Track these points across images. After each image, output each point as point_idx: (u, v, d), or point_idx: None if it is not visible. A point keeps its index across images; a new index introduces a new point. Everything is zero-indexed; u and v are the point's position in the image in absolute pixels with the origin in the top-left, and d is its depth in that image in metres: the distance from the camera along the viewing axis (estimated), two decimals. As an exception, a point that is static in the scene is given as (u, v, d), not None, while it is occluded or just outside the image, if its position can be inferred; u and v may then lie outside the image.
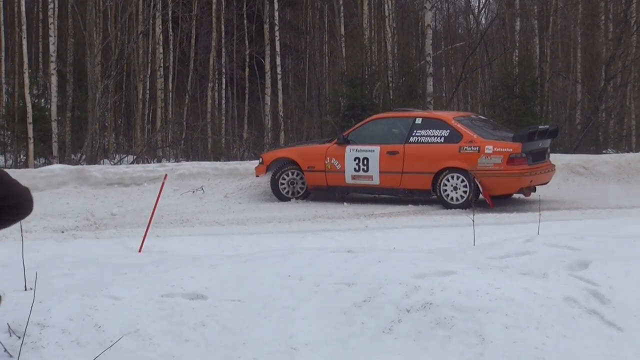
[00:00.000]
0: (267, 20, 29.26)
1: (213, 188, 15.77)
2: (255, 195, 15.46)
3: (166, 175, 10.86)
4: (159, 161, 22.16)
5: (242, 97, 31.42)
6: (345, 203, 14.68)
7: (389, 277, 5.83)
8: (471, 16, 34.66)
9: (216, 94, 30.52)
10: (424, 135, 14.38)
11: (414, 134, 14.47)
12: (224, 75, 30.65)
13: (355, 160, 14.73)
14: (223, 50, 30.38)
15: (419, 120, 14.60)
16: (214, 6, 29.86)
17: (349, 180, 14.84)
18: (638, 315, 5.44)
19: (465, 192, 13.82)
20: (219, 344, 5.22)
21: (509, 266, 6.39)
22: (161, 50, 28.05)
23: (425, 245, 8.90)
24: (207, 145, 26.31)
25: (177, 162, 20.75)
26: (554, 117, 26.02)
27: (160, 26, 28.11)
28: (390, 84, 23.93)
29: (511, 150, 13.65)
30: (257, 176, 15.75)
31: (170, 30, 29.50)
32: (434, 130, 14.31)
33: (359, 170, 14.69)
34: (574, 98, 27.07)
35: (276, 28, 28.67)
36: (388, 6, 26.67)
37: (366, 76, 23.23)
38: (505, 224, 11.80)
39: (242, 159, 21.89)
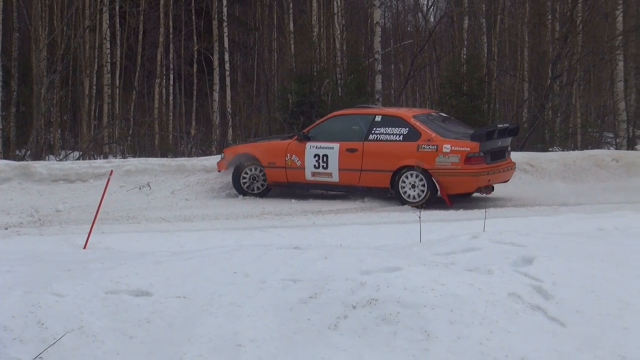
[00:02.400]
0: (216, 16, 29.15)
1: (160, 184, 15.67)
2: (203, 192, 15.40)
3: (112, 171, 10.78)
4: (106, 157, 21.93)
5: (190, 94, 31.28)
6: (293, 200, 14.68)
7: (335, 273, 5.82)
8: (420, 14, 34.81)
9: (164, 90, 30.32)
10: (383, 133, 14.33)
11: (373, 131, 14.42)
12: (171, 71, 30.47)
13: (315, 157, 14.68)
14: (171, 46, 30.19)
15: (378, 118, 14.55)
16: (161, 1, 29.67)
17: (308, 177, 14.79)
18: (581, 311, 5.50)
19: (423, 190, 13.78)
20: (164, 340, 5.17)
21: (454, 262, 6.42)
22: (108, 46, 27.80)
23: (372, 242, 8.94)
24: (154, 141, 26.12)
25: (124, 158, 20.57)
26: (501, 115, 26.26)
27: (108, 21, 27.85)
28: (339, 81, 23.92)
29: (469, 149, 13.58)
30: (218, 171, 15.71)
31: (118, 25, 29.23)
32: (393, 128, 14.26)
33: (318, 167, 14.64)
34: (521, 96, 27.34)
35: (225, 24, 28.59)
36: (337, 3, 26.67)
37: (315, 73, 23.21)
38: (451, 220, 11.87)
39: (189, 155, 21.80)
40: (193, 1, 30.68)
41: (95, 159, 21.02)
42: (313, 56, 23.95)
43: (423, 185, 13.79)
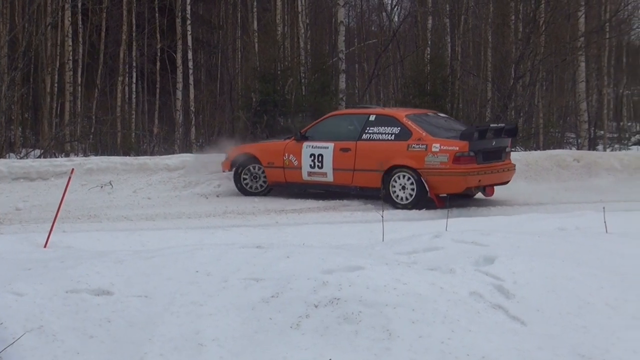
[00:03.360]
0: (179, 14, 29.00)
1: (122, 183, 15.61)
2: (165, 190, 15.36)
3: (73, 169, 10.66)
4: (67, 156, 21.74)
5: (152, 92, 31.08)
6: (255, 199, 14.66)
7: (298, 272, 5.82)
8: (384, 14, 34.88)
9: (126, 88, 30.11)
10: (375, 133, 14.21)
11: (366, 131, 14.31)
12: (134, 69, 30.28)
13: (311, 156, 14.64)
14: (134, 43, 30.00)
15: (372, 118, 14.44)
16: (125, -1, 29.51)
17: (305, 177, 14.76)
18: (541, 310, 5.53)
19: (413, 191, 13.62)
20: (125, 340, 5.13)
21: (416, 262, 6.43)
22: (70, 43, 27.53)
23: (335, 241, 8.93)
24: (116, 139, 25.94)
25: (86, 156, 20.40)
26: (464, 115, 26.35)
27: (70, 18, 27.57)
28: (303, 80, 23.93)
29: (457, 148, 13.37)
30: (223, 171, 15.71)
31: (80, 22, 28.98)
32: (386, 128, 14.14)
33: (314, 167, 14.60)
34: (484, 96, 27.50)
35: (188, 22, 28.43)
36: (301, 2, 26.64)
37: (279, 72, 23.19)
38: (414, 220, 11.93)
39: (152, 154, 21.67)
40: (156, -1, 30.54)
41: (56, 157, 20.83)
42: (277, 55, 23.92)
43: (412, 187, 13.62)
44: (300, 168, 14.73)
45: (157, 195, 15.02)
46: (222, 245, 7.00)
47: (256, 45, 27.63)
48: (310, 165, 14.62)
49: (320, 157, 14.53)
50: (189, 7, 28.51)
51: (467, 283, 5.81)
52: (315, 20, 31.76)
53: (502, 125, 14.66)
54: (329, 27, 33.28)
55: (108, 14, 29.83)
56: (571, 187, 16.04)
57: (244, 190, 15.31)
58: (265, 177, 15.25)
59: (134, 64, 30.18)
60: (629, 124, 39.20)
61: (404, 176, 13.72)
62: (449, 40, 27.61)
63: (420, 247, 6.98)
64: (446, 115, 15.97)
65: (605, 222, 8.69)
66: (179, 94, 28.39)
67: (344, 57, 23.97)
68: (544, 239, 7.57)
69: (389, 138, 14.01)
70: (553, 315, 5.50)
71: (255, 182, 15.30)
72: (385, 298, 5.44)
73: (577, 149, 24.34)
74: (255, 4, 29.67)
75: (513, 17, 27.54)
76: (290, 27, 29.32)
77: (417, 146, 13.62)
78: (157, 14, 30.58)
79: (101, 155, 20.89)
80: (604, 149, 26.53)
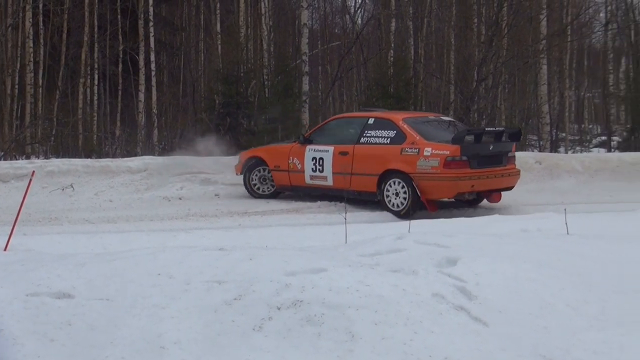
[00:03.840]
0: (142, 15, 28.83)
1: (83, 186, 15.47)
2: (127, 193, 15.26)
3: (34, 172, 10.57)
4: (28, 158, 21.53)
5: (115, 94, 30.87)
6: (218, 201, 14.60)
7: (260, 274, 5.81)
8: (347, 16, 34.95)
9: (88, 89, 29.86)
10: (373, 136, 13.86)
11: (365, 134, 13.99)
12: (96, 71, 30.05)
13: (312, 160, 14.42)
14: (96, 45, 29.77)
15: (371, 121, 14.11)
16: (86, 0, 29.27)
17: (308, 180, 14.56)
18: (503, 311, 5.57)
19: (406, 195, 13.21)
20: (86, 343, 5.09)
21: (379, 263, 6.45)
22: (31, 44, 27.28)
23: (298, 243, 8.92)
24: (78, 142, 25.71)
25: (47, 159, 20.20)
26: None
27: (31, 19, 27.32)
28: (266, 82, 23.88)
29: (448, 152, 12.94)
30: (237, 174, 15.63)
31: (41, 23, 28.71)
32: (382, 131, 13.79)
33: (315, 170, 14.38)
34: (447, 99, 27.59)
35: (151, 24, 28.29)
36: (265, 4, 26.59)
37: (242, 74, 23.12)
38: (377, 222, 11.92)
39: (114, 156, 21.48)
40: (118, 0, 30.33)
41: (17, 159, 20.62)
42: (240, 57, 23.85)
43: (405, 192, 13.21)
44: (304, 172, 14.54)
45: (119, 198, 14.93)
46: (184, 248, 6.97)
47: (219, 47, 27.55)
48: (312, 169, 14.42)
49: (321, 161, 14.31)
50: (151, 9, 28.36)
51: (430, 284, 5.84)
52: (278, 22, 31.73)
53: (501, 129, 14.23)
54: (292, 29, 33.29)
55: (69, 15, 29.58)
56: (533, 189, 16.13)
57: (253, 193, 15.28)
58: (272, 180, 15.17)
59: (96, 66, 29.94)
60: (590, 126, 39.55)
61: (397, 182, 13.35)
62: (412, 42, 27.69)
63: (383, 249, 7.00)
64: (452, 119, 15.52)
65: (566, 223, 8.75)
66: (142, 96, 28.21)
67: (307, 59, 23.93)
68: (506, 240, 7.62)
69: (385, 142, 13.67)
70: (515, 316, 5.54)
71: (263, 184, 15.28)
72: (348, 300, 5.44)
73: (539, 151, 24.51)
74: (218, 5, 29.60)
75: (476, 20, 27.69)
76: (253, 29, 29.26)
77: (410, 150, 13.26)
78: (119, 16, 30.40)
79: (62, 157, 20.65)
80: (566, 151, 26.77)
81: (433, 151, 13.03)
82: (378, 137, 13.81)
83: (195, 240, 9.49)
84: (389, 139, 13.65)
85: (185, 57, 32.05)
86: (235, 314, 5.36)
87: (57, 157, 21.43)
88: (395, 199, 13.36)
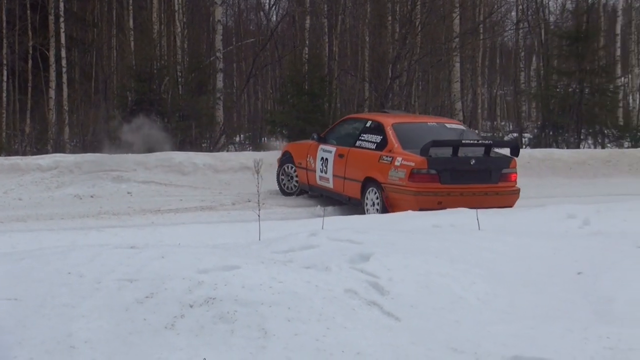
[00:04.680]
0: (52, 11, 28.36)
1: (-8, 184, 15.19)
2: (37, 191, 15.01)
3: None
4: None
5: (24, 90, 30.27)
6: (131, 199, 14.46)
7: (173, 272, 5.76)
8: (262, 13, 34.90)
9: (-4, 86, 29.31)
10: (365, 140, 13.13)
11: (360, 137, 13.28)
12: (5, 67, 29.46)
13: (321, 160, 13.92)
14: (4, 41, 29.17)
15: (369, 124, 13.41)
16: (-6, -5, 28.71)
17: (318, 180, 14.09)
18: (415, 306, 5.62)
19: (378, 208, 12.36)
20: (-7, 344, 5.00)
21: (292, 260, 6.45)
22: (-64, 40, 26.70)
23: (212, 241, 8.88)
24: (-15, 139, 25.24)
25: (-46, 157, 19.79)
26: (342, 115, 26.58)
27: (-64, 14, 26.74)
28: (180, 79, 23.74)
29: (413, 164, 11.94)
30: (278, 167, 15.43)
31: (-54, 18, 28.11)
32: (373, 135, 13.02)
33: (322, 171, 13.88)
34: (362, 96, 27.75)
35: (62, 19, 27.85)
36: (178, 0, 26.43)
37: (155, 71, 22.97)
38: (292, 219, 11.93)
39: (24, 154, 21.12)
40: (28, -5, 29.80)
41: None
42: (153, 54, 23.69)
43: (379, 203, 12.40)
44: (315, 171, 14.11)
45: (28, 196, 14.67)
46: (95, 246, 6.87)
47: (132, 43, 27.29)
48: (320, 169, 13.94)
49: (325, 162, 13.82)
50: (62, 4, 27.90)
51: (343, 281, 5.86)
52: (192, 19, 31.53)
53: (488, 142, 12.91)
54: (206, 26, 33.08)
55: (-23, 10, 28.97)
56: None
57: (282, 191, 15.11)
58: (297, 177, 14.93)
59: (4, 62, 29.34)
60: (503, 123, 40.19)
61: (373, 190, 12.59)
62: (326, 40, 27.78)
63: (296, 246, 7.00)
64: (459, 126, 14.03)
65: (477, 219, 8.89)
66: (52, 93, 27.75)
67: (221, 56, 23.90)
68: (418, 236, 7.70)
69: (372, 147, 12.92)
70: (427, 310, 5.60)
71: (290, 182, 15.11)
72: (261, 297, 5.43)
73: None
74: (131, 1, 29.31)
75: (390, 18, 27.93)
76: (166, 26, 29.02)
77: (386, 158, 12.43)
78: (28, 11, 29.80)
79: (-30, 155, 20.28)
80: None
81: (402, 162, 12.16)
82: (369, 141, 13.09)
83: (107, 238, 9.37)
84: (375, 144, 12.91)
85: (97, 54, 31.62)
86: (147, 312, 5.30)
87: (-36, 155, 20.99)
88: (372, 208, 12.57)
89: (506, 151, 13.14)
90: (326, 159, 13.80)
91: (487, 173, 12.36)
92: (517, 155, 12.82)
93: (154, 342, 5.02)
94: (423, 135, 12.58)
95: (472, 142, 12.43)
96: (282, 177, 15.22)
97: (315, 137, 14.45)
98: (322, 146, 14.09)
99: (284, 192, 15.13)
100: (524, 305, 5.90)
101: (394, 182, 12.11)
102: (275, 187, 15.27)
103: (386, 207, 12.20)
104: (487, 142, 12.91)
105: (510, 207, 12.33)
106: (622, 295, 6.11)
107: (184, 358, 4.86)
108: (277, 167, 15.44)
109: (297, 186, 15.04)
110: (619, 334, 5.24)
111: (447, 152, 12.05)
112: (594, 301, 6.06)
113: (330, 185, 13.73)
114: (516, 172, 12.73)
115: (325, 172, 13.79)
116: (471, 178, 12.19)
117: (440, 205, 11.60)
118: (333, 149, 13.77)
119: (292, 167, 15.05)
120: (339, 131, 14.27)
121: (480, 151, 12.35)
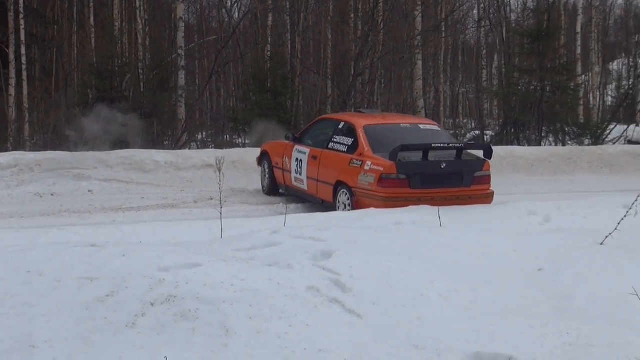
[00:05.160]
0: (12, 7, 28.09)
1: (-50, 182, 15.00)
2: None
3: None
4: None
5: (-17, 88, 30.01)
6: (92, 197, 14.35)
7: (134, 270, 5.73)
8: (224, 10, 34.82)
9: (-46, 83, 28.98)
10: (338, 142, 12.75)
11: (333, 139, 12.91)
12: (-38, 64, 29.17)
13: (296, 161, 13.61)
14: (-38, 37, 28.90)
15: (341, 125, 13.01)
16: (-48, -9, 28.37)
17: (293, 181, 13.77)
18: (377, 303, 5.64)
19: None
20: (-50, 345, 4.94)
21: (254, 258, 6.45)
22: None
23: (173, 239, 8.83)
24: (-58, 137, 24.94)
25: None
26: (305, 112, 26.61)
27: None
28: (141, 77, 23.64)
29: (382, 169, 11.52)
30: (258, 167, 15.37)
31: None
32: (345, 137, 12.65)
33: (297, 172, 13.56)
34: (324, 93, 27.80)
35: (21, 16, 27.59)
36: (139, -3, 26.34)
37: (116, 68, 22.85)
38: (254, 217, 11.90)
39: (-18, 152, 20.91)
40: (-13, -9, 29.48)
41: None
42: (114, 51, 23.57)
43: (350, 207, 11.93)
44: (290, 172, 13.85)
45: (-13, 195, 14.52)
46: (55, 245, 6.84)
47: (93, 40, 27.10)
48: (295, 170, 13.63)
49: (300, 163, 13.48)
50: (21, 1, 27.66)
51: (305, 278, 5.87)
52: (154, 16, 31.42)
53: (459, 145, 12.43)
54: (168, 23, 32.94)
55: None
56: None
57: (263, 189, 14.99)
58: (268, 177, 14.78)
59: (-38, 59, 29.05)
60: (465, 120, 40.40)
61: (345, 194, 12.15)
62: (289, 37, 27.81)
63: (258, 243, 7.00)
64: (433, 127, 13.54)
65: (439, 216, 8.92)
66: (12, 90, 27.48)
67: (183, 54, 23.82)
68: (380, 233, 7.71)
69: (344, 149, 12.54)
70: (388, 307, 5.62)
71: (270, 180, 14.89)
72: (223, 295, 5.42)
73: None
74: (92, -2, 29.10)
75: (352, 16, 27.99)
76: (128, 23, 28.90)
77: (356, 162, 12.03)
78: (-13, 7, 29.54)
79: None
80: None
81: (372, 166, 11.72)
82: (341, 143, 12.71)
83: (67, 236, 9.29)
84: (347, 147, 12.53)
85: (58, 51, 31.33)
86: (108, 311, 5.27)
87: None
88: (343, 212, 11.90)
89: (479, 153, 12.75)
90: (301, 160, 13.51)
91: (459, 176, 11.93)
92: (490, 158, 12.39)
93: (115, 341, 4.99)
94: (395, 138, 12.25)
95: (442, 145, 11.95)
96: (263, 177, 15.10)
97: (290, 137, 14.26)
98: (297, 147, 13.80)
99: (265, 191, 15.00)
100: (484, 302, 5.94)
101: (363, 187, 11.74)
102: (238, 185, 15.22)
103: None
104: (458, 145, 12.52)
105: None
106: (581, 291, 6.18)
107: (145, 357, 4.84)
108: (257, 166, 15.40)
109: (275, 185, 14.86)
110: (578, 329, 5.29)
111: (417, 155, 11.73)
112: (554, 297, 6.12)
113: (305, 187, 13.45)
114: (489, 175, 12.30)
115: (300, 174, 13.49)
116: (442, 182, 11.78)
117: None
118: (307, 150, 13.46)
119: (270, 167, 14.89)
120: (313, 132, 14.00)
121: (451, 154, 11.97)
